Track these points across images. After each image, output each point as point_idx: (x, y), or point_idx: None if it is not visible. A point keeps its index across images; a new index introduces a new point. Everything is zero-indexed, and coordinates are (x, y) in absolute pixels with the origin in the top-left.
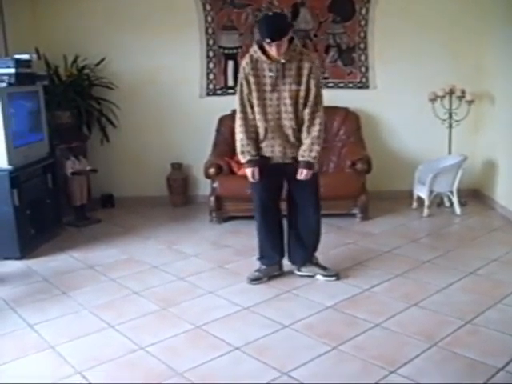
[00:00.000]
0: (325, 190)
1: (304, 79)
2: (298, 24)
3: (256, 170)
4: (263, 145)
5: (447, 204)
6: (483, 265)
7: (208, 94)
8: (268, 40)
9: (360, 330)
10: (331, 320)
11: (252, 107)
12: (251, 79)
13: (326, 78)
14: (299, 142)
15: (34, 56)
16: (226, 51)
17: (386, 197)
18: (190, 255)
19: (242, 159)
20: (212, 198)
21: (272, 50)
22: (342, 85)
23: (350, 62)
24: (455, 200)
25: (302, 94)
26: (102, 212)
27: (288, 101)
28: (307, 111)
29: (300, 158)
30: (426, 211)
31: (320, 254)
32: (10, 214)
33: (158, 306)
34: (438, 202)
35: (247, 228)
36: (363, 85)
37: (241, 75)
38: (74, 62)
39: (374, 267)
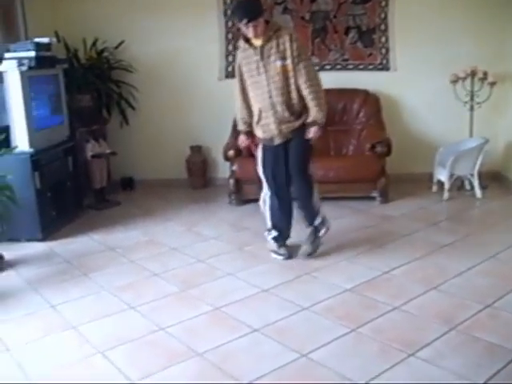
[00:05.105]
0: (344, 173)
1: (288, 52)
2: (318, 5)
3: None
4: (260, 124)
5: (468, 187)
6: (503, 249)
7: (227, 77)
8: (245, 21)
9: (379, 312)
10: (350, 302)
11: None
12: (243, 68)
13: (345, 60)
14: (293, 116)
15: (54, 39)
16: None
17: (405, 180)
18: (210, 237)
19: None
20: (231, 181)
21: (250, 32)
22: (361, 67)
23: (370, 44)
24: (476, 183)
25: (289, 67)
26: (121, 194)
27: (277, 78)
28: (302, 80)
29: (307, 120)
30: (446, 194)
31: (339, 237)
32: (32, 197)
33: (177, 288)
34: (458, 185)
35: None
36: (383, 67)
37: (236, 62)
38: (94, 45)
39: (393, 250)
